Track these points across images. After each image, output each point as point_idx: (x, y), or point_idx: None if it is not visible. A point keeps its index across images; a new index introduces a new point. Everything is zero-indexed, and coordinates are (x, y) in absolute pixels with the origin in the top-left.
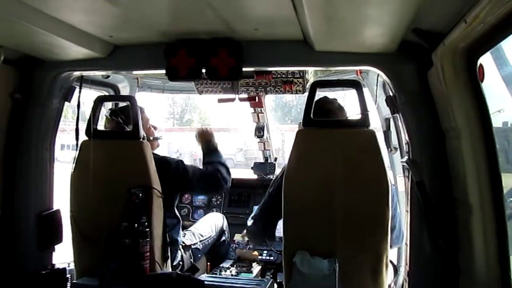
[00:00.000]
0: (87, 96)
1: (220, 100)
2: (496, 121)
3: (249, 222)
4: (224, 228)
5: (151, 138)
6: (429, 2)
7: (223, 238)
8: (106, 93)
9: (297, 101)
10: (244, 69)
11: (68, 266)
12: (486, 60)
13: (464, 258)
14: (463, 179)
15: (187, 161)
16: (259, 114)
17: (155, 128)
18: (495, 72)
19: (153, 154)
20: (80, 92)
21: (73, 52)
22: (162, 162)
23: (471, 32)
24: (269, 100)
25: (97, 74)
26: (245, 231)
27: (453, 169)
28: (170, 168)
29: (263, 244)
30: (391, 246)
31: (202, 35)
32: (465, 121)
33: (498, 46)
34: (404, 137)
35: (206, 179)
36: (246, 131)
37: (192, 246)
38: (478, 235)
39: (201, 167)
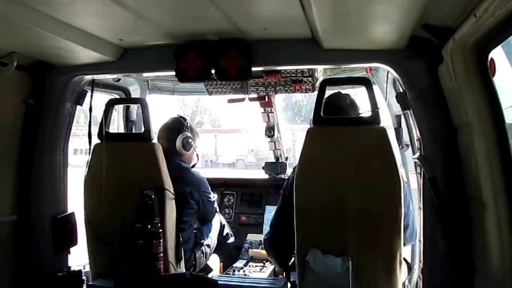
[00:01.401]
0: (99, 99)
1: (230, 101)
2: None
3: (265, 236)
4: (223, 223)
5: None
6: None
7: (226, 231)
8: (117, 96)
9: (307, 100)
10: (253, 69)
11: (84, 268)
12: (497, 54)
13: (478, 255)
14: (476, 175)
15: (198, 163)
16: (269, 114)
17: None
18: (507, 66)
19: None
20: (91, 95)
21: (84, 56)
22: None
23: (481, 26)
24: (279, 100)
25: (108, 77)
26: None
27: (466, 165)
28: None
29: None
30: (404, 244)
31: (211, 36)
32: (477, 116)
33: (509, 40)
34: (416, 133)
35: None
36: (257, 131)
37: (204, 243)
38: (492, 232)
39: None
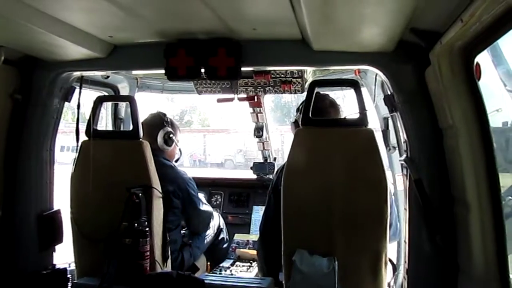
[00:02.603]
0: (87, 96)
1: (219, 100)
2: (495, 121)
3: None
4: (222, 226)
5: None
6: (426, 2)
7: (222, 236)
8: (106, 94)
9: (296, 102)
10: (243, 68)
11: (69, 267)
12: (483, 59)
13: (462, 255)
14: (461, 177)
15: (187, 162)
16: (258, 114)
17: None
18: (493, 71)
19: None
20: (80, 92)
21: (73, 52)
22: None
23: (467, 31)
24: (268, 101)
25: (97, 74)
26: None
27: (451, 167)
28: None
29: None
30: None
31: (201, 35)
32: (463, 119)
33: (495, 44)
34: (403, 135)
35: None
36: (246, 132)
37: (192, 245)
38: (476, 233)
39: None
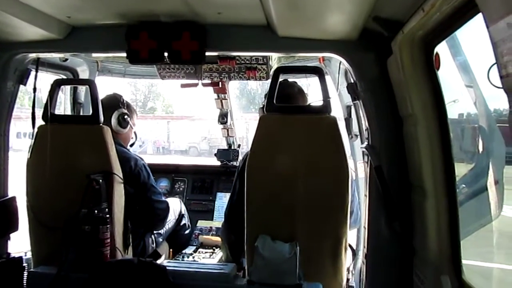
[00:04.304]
0: (45, 80)
1: (183, 85)
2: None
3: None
4: (183, 212)
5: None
6: None
7: (183, 222)
8: (64, 77)
9: (261, 89)
10: (207, 53)
11: (25, 255)
12: (443, 50)
13: (418, 240)
14: (419, 165)
15: (150, 149)
16: (223, 101)
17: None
18: (450, 61)
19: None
20: (36, 75)
21: (28, 33)
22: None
23: (428, 21)
24: (233, 87)
25: (54, 56)
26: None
27: (409, 155)
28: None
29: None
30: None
31: (165, 17)
32: (422, 108)
33: (453, 35)
34: (364, 123)
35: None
36: (210, 119)
37: (154, 231)
38: (431, 218)
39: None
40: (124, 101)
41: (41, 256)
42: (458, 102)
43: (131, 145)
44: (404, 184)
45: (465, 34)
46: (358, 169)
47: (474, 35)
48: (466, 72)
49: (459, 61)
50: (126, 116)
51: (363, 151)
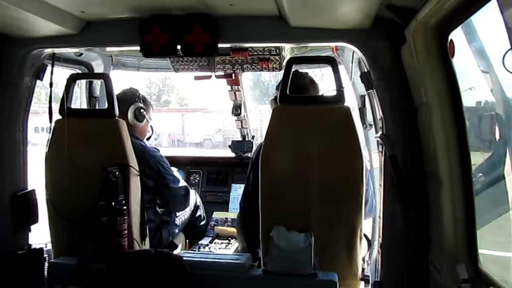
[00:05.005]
0: (61, 75)
1: (197, 78)
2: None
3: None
4: (198, 203)
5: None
6: None
7: (199, 213)
8: (80, 72)
9: (275, 80)
10: (219, 45)
11: (45, 247)
12: (458, 36)
13: (434, 229)
14: (434, 154)
15: (165, 142)
16: (236, 92)
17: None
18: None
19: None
20: (52, 70)
21: (44, 28)
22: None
23: (442, 7)
24: (247, 79)
25: (69, 51)
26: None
27: (424, 143)
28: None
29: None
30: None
31: (177, 10)
32: (436, 96)
33: (468, 21)
34: (378, 112)
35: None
36: (225, 111)
37: (170, 223)
38: (447, 207)
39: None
40: (140, 95)
41: (60, 248)
42: (474, 90)
43: (148, 139)
44: (419, 173)
45: (481, 19)
46: (372, 158)
47: (490, 20)
48: (482, 59)
49: (475, 47)
50: (142, 110)
51: (377, 141)
